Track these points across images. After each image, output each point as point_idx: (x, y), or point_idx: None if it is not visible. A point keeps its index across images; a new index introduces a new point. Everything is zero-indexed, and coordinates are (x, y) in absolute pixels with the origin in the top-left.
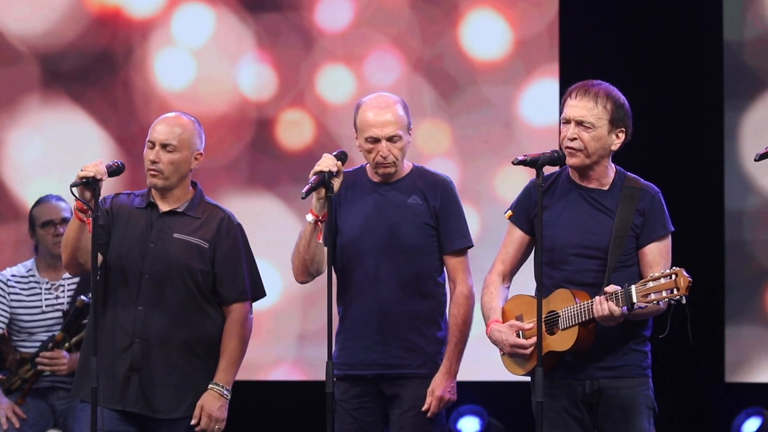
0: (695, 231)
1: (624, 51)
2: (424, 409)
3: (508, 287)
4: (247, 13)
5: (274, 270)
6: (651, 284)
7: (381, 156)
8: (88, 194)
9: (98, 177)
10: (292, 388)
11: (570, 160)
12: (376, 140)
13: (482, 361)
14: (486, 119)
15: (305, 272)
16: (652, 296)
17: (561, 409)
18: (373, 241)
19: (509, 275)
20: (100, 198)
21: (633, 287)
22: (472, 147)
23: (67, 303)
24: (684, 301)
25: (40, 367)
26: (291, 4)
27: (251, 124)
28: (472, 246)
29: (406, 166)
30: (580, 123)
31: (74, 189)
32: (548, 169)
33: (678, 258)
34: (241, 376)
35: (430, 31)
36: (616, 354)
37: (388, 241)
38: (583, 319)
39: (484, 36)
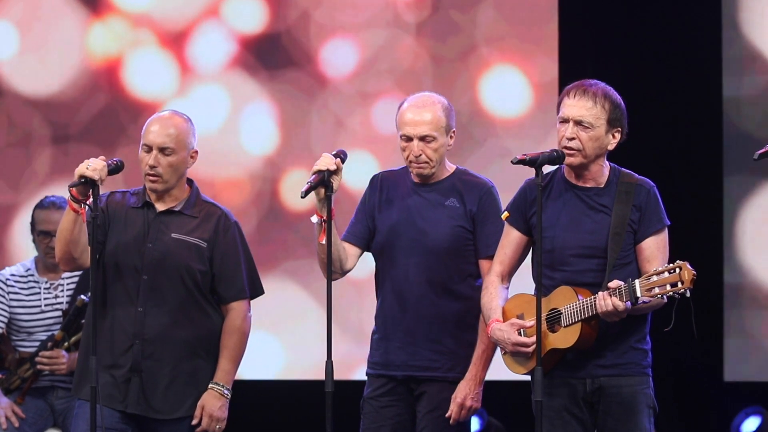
0: (695, 230)
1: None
2: (447, 415)
3: (507, 287)
4: (258, 72)
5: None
6: (655, 278)
7: (413, 155)
8: (85, 194)
9: (95, 178)
10: (293, 388)
11: (567, 160)
12: (409, 139)
13: None
14: (501, 172)
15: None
16: (657, 290)
17: (561, 407)
18: (406, 241)
19: (507, 276)
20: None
21: (637, 282)
22: None
23: (67, 302)
24: (688, 294)
25: (39, 367)
26: (303, 52)
27: (261, 191)
28: None
29: (449, 168)
30: (578, 123)
31: (72, 189)
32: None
33: (678, 255)
34: (242, 375)
35: (447, 85)
36: (616, 352)
37: (421, 242)
38: (586, 316)
39: (501, 90)
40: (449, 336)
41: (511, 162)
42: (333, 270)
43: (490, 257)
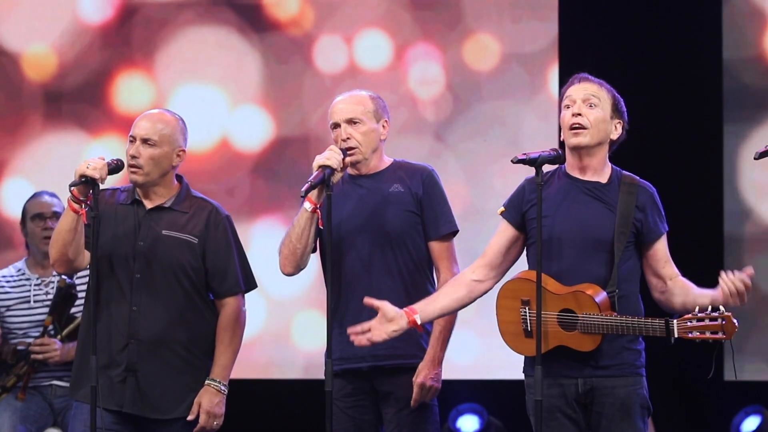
0: (695, 232)
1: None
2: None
3: (484, 281)
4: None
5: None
6: (695, 322)
7: (342, 140)
8: (86, 194)
9: (95, 177)
10: (292, 388)
11: (574, 140)
12: (337, 125)
13: (482, 360)
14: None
15: (293, 263)
16: (696, 333)
17: (555, 408)
18: (358, 232)
19: (486, 267)
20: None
21: (675, 321)
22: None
23: None
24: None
25: (33, 356)
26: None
27: None
28: (458, 231)
29: (386, 160)
30: (586, 100)
31: (73, 188)
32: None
33: (677, 261)
34: (241, 375)
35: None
36: (609, 353)
37: (373, 231)
38: (609, 333)
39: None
40: None
41: (511, 161)
42: (297, 264)
43: (439, 239)
